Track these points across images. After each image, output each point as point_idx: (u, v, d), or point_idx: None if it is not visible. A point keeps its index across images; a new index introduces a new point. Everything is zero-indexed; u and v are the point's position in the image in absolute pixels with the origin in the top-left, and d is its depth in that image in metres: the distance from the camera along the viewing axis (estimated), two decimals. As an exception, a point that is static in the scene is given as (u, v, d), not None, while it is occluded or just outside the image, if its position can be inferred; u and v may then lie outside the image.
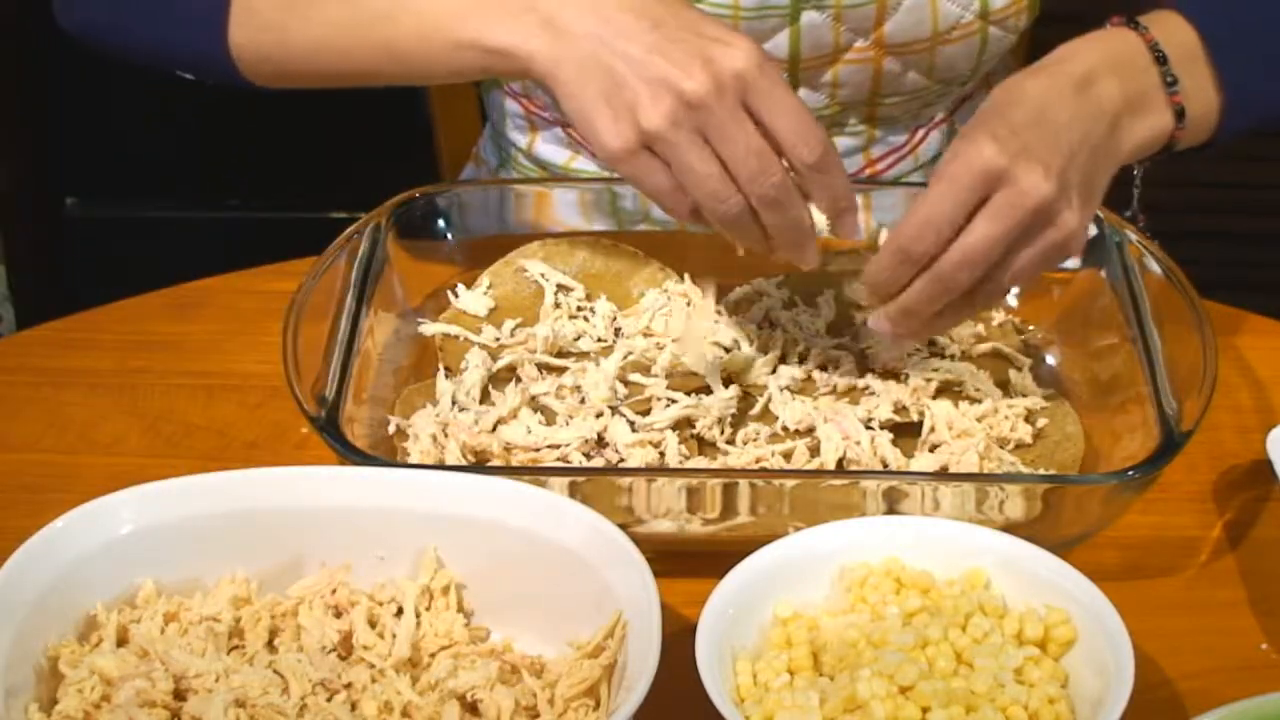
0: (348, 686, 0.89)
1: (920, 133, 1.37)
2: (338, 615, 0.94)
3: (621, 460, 1.05)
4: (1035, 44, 1.47)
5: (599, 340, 1.15)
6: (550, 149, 1.38)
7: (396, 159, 1.67)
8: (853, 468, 1.06)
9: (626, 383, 1.10)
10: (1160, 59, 1.06)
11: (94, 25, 1.21)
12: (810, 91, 1.29)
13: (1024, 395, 1.11)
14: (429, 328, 1.16)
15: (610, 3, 1.01)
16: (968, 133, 1.00)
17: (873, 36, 1.25)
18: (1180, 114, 1.06)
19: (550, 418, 1.09)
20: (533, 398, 1.11)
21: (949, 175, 0.98)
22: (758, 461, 1.05)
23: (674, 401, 1.09)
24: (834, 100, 1.30)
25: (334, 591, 0.94)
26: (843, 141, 1.34)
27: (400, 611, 0.94)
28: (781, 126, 0.99)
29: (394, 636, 0.93)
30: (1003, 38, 1.29)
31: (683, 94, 0.97)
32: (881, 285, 1.02)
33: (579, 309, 1.19)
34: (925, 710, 0.86)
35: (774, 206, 1.00)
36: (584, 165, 1.36)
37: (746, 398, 1.11)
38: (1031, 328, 1.18)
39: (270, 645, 0.93)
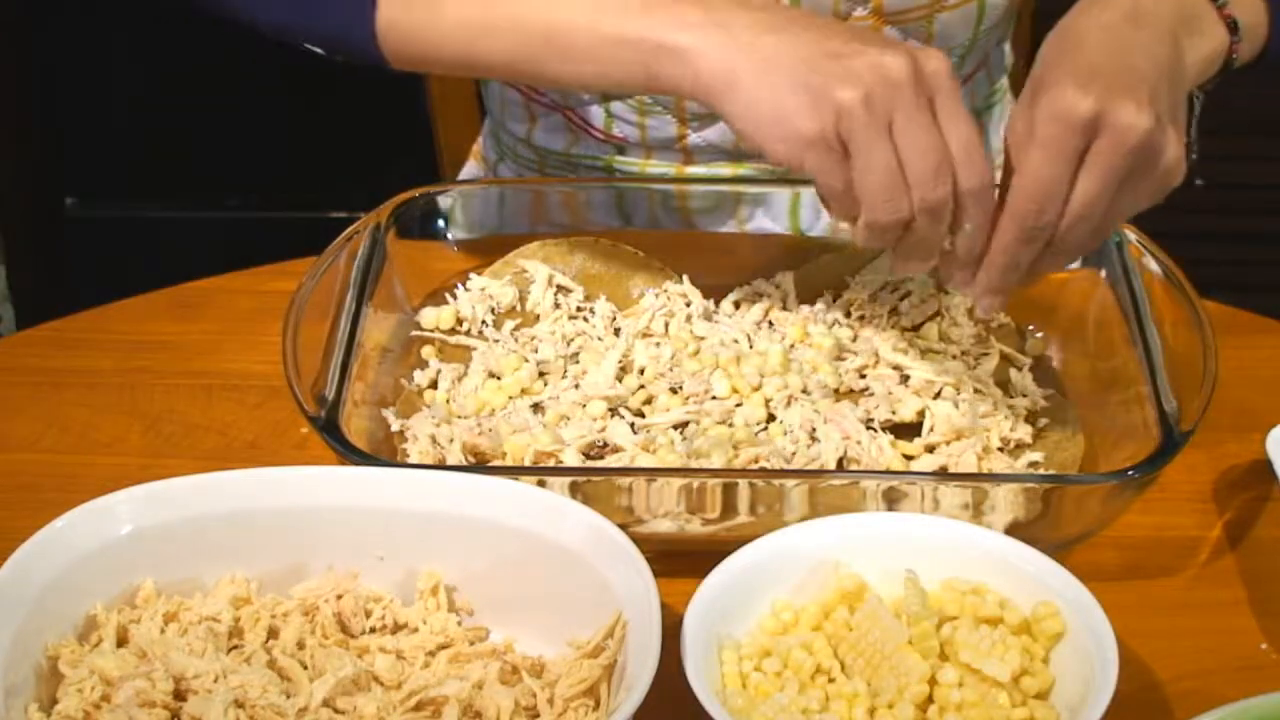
0: (349, 690, 0.89)
1: None
2: (338, 616, 0.94)
3: (621, 456, 1.05)
4: (1038, 15, 1.48)
5: (599, 340, 1.16)
6: (549, 136, 1.38)
7: (396, 159, 1.67)
8: (853, 468, 1.06)
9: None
10: None
11: None
12: None
13: (1024, 395, 1.11)
14: (426, 320, 1.16)
15: (788, 20, 0.98)
16: (1045, 85, 0.96)
17: (871, 4, 1.25)
18: (1234, 27, 1.05)
19: (550, 418, 1.09)
20: (533, 398, 1.11)
21: (1045, 138, 0.94)
22: (757, 461, 1.05)
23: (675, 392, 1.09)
24: None
25: (340, 597, 0.94)
26: None
27: (396, 624, 0.95)
28: (958, 139, 0.96)
29: (393, 637, 0.94)
30: (1000, 5, 1.29)
31: (886, 72, 0.93)
32: (1002, 283, 0.99)
33: (579, 309, 1.19)
34: (915, 708, 0.87)
35: (932, 216, 0.96)
36: (584, 150, 1.36)
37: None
38: (1031, 327, 1.18)
39: (268, 646, 0.93)
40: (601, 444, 1.07)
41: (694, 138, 1.31)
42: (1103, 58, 0.96)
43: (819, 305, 1.18)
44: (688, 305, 1.18)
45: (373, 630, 0.95)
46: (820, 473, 1.04)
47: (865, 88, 0.94)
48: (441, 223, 1.22)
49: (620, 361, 1.13)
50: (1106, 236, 1.02)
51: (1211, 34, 1.05)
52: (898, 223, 0.96)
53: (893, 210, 0.96)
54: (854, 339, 1.15)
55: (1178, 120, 0.99)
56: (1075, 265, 1.17)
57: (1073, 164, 0.95)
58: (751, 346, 1.14)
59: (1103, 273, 1.14)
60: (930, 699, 0.88)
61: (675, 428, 1.08)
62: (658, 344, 1.15)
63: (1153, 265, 1.11)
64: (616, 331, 1.17)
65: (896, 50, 0.95)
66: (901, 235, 0.97)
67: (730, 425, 1.08)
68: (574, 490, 0.97)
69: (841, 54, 0.95)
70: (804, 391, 1.10)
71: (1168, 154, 0.96)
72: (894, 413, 1.09)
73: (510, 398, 1.11)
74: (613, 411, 1.10)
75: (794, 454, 1.06)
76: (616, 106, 1.31)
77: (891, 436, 1.08)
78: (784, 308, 1.18)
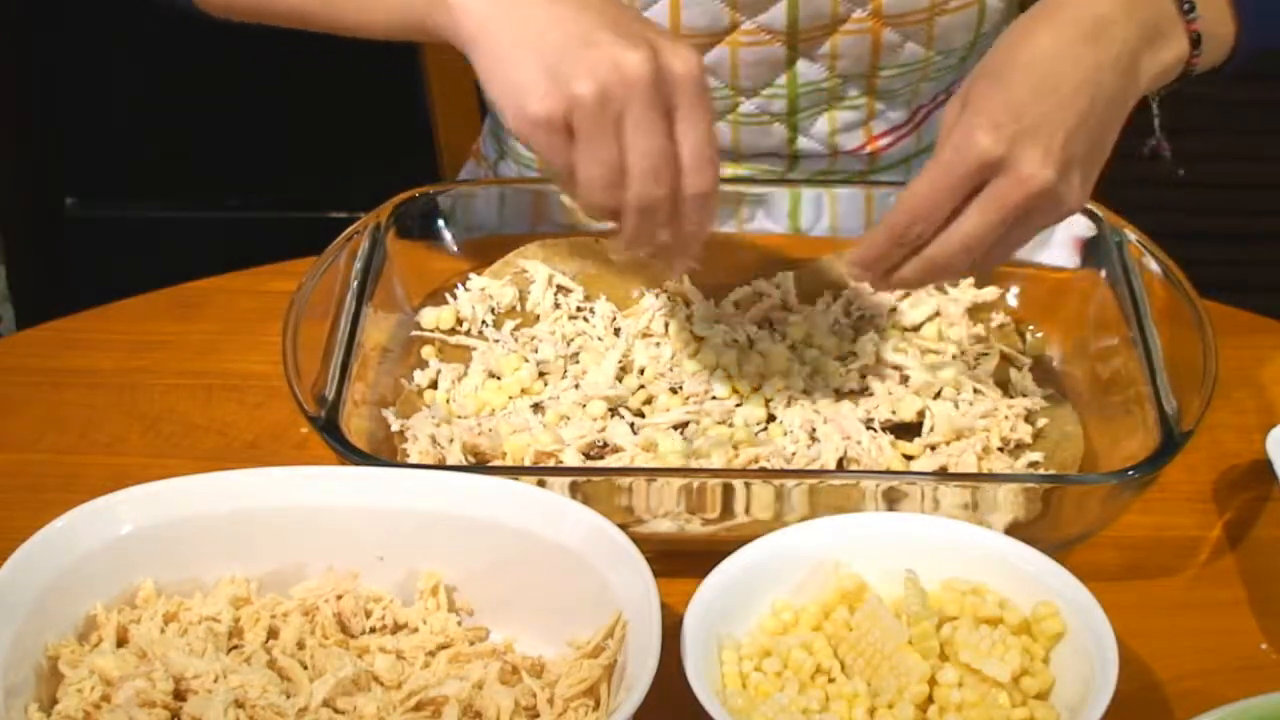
0: (349, 691, 0.89)
1: (922, 111, 1.37)
2: (338, 616, 0.94)
3: (621, 456, 1.05)
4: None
5: (599, 340, 1.16)
6: None
7: (396, 159, 1.67)
8: (853, 468, 1.06)
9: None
10: None
11: None
12: (809, 63, 1.29)
13: (1024, 395, 1.11)
14: (426, 320, 1.16)
15: None
16: (967, 112, 0.98)
17: (870, 6, 1.25)
18: (1197, 40, 1.06)
19: (550, 418, 1.09)
20: (533, 398, 1.11)
21: (944, 163, 0.98)
22: (757, 461, 1.05)
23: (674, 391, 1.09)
24: (833, 72, 1.30)
25: (340, 597, 0.94)
26: (843, 116, 1.33)
27: (396, 624, 0.95)
28: (690, 144, 0.97)
29: (393, 637, 0.94)
30: (1001, 9, 1.29)
31: (624, 71, 0.94)
32: (871, 264, 1.01)
33: (579, 309, 1.19)
34: (915, 708, 0.87)
35: (645, 214, 0.98)
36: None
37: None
38: (1031, 327, 1.18)
39: (268, 646, 0.93)
40: (601, 444, 1.07)
41: None
42: (1030, 95, 0.98)
43: (819, 305, 1.18)
44: (688, 305, 1.18)
45: (373, 630, 0.95)
46: (820, 473, 1.04)
47: (600, 84, 0.94)
48: (441, 223, 1.22)
49: (620, 361, 1.13)
50: (992, 267, 1.05)
51: (1175, 45, 1.05)
52: (615, 211, 0.98)
53: (607, 200, 0.97)
54: (854, 339, 1.15)
55: (1095, 160, 1.01)
56: (1075, 265, 1.17)
57: (960, 194, 0.97)
58: (751, 346, 1.14)
59: (1103, 273, 1.14)
60: (930, 699, 0.88)
61: (675, 428, 1.08)
62: (658, 344, 1.15)
63: (1153, 265, 1.11)
64: (616, 331, 1.17)
65: (642, 49, 0.95)
66: (620, 221, 0.99)
67: (730, 425, 1.08)
68: (574, 490, 0.97)
69: (593, 43, 0.95)
70: (804, 392, 1.10)
71: (1066, 204, 0.99)
72: (894, 413, 1.09)
73: (510, 398, 1.11)
74: (613, 411, 1.10)
75: (794, 454, 1.06)
76: (617, 105, 1.31)
77: (891, 436, 1.08)
78: (784, 308, 1.18)
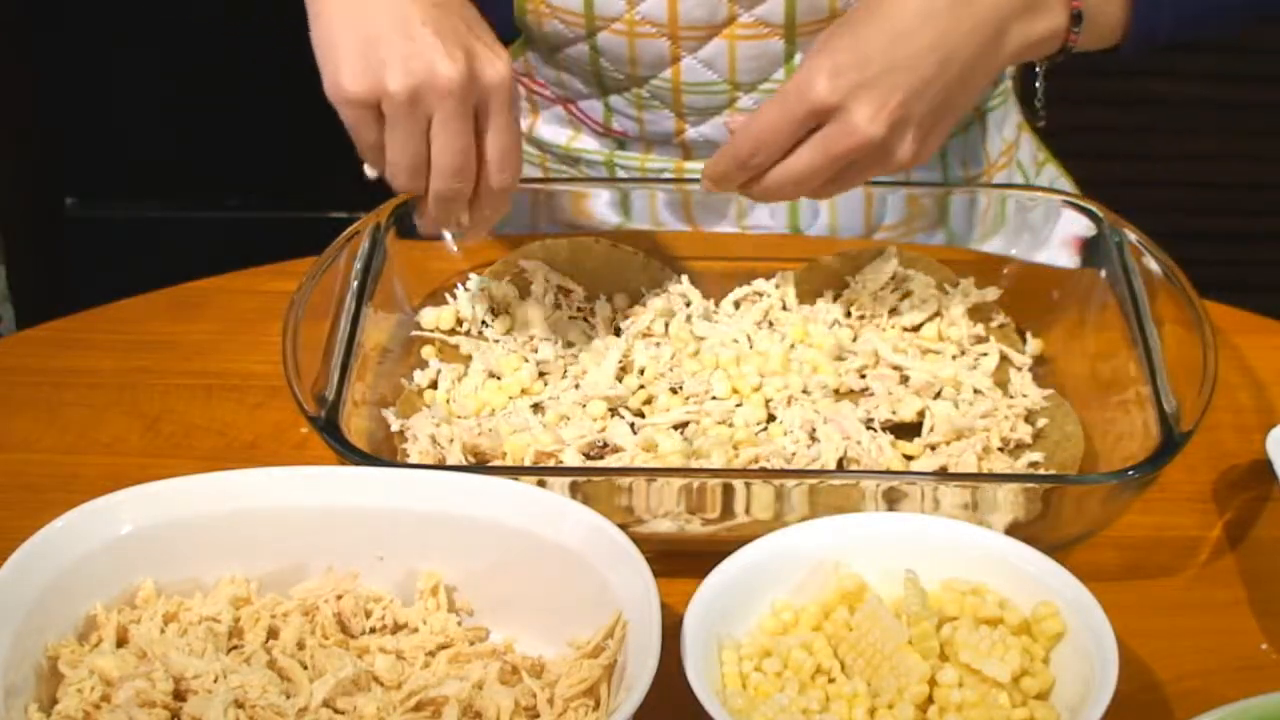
0: (349, 691, 0.89)
1: None
2: (338, 617, 0.94)
3: (621, 456, 1.05)
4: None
5: (598, 340, 1.16)
6: (551, 130, 1.38)
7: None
8: (853, 468, 1.06)
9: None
10: None
11: None
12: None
13: (1024, 395, 1.11)
14: (426, 320, 1.16)
15: None
16: (816, 53, 1.03)
17: None
18: (1078, 18, 1.07)
19: (550, 418, 1.09)
20: (533, 398, 1.11)
21: (782, 96, 1.03)
22: (757, 461, 1.05)
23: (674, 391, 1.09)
24: None
25: (340, 597, 0.94)
26: None
27: (396, 624, 0.95)
28: (496, 145, 1.03)
29: (393, 637, 0.94)
30: None
31: (435, 76, 1.00)
32: (719, 179, 1.08)
33: (579, 310, 1.19)
34: (915, 708, 0.87)
35: (444, 203, 1.04)
36: (585, 144, 1.36)
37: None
38: (1031, 328, 1.18)
39: (268, 646, 0.93)
40: (601, 444, 1.07)
41: (691, 132, 1.31)
42: (882, 45, 1.02)
43: (819, 305, 1.18)
44: (688, 305, 1.18)
45: (373, 630, 0.95)
46: (820, 473, 1.04)
47: (413, 84, 1.00)
48: (441, 222, 1.21)
49: (620, 361, 1.13)
50: (823, 198, 1.09)
51: (1051, 18, 1.07)
52: (417, 191, 1.04)
53: (411, 185, 1.05)
54: (854, 339, 1.15)
55: (940, 121, 1.05)
56: (1075, 265, 1.17)
57: (796, 131, 1.03)
58: (751, 346, 1.14)
59: (1103, 273, 1.14)
60: (930, 699, 0.87)
61: (675, 428, 1.08)
62: (658, 344, 1.15)
63: (1153, 265, 1.11)
64: (617, 331, 1.17)
65: (458, 56, 1.00)
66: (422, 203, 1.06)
67: (730, 425, 1.08)
68: (574, 490, 0.97)
69: (413, 36, 1.00)
70: (804, 391, 1.10)
71: (897, 158, 1.04)
72: (894, 413, 1.09)
73: (510, 398, 1.11)
74: (613, 411, 1.10)
75: (794, 454, 1.06)
76: (615, 100, 1.31)
77: (891, 436, 1.08)
78: (784, 308, 1.18)
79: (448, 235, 1.20)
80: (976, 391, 1.11)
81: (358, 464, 0.98)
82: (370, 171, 1.08)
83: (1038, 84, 1.19)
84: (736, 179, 1.07)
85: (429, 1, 1.02)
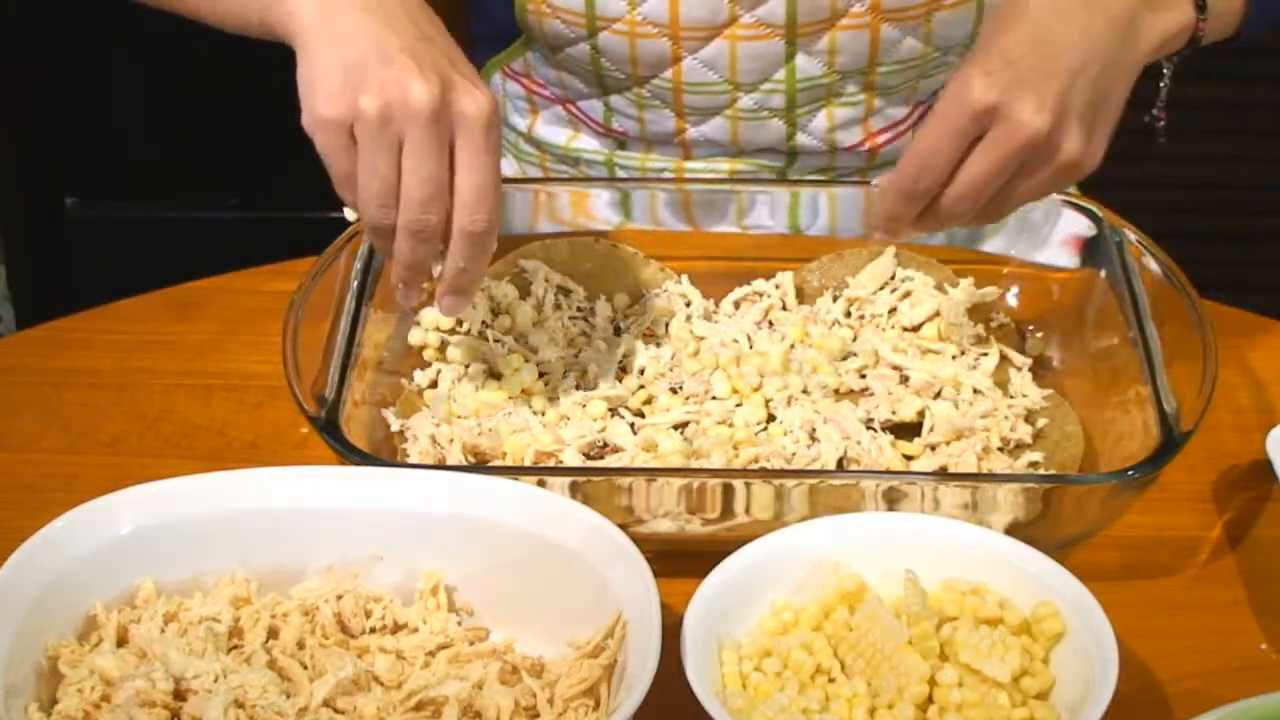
0: (349, 691, 0.89)
1: (920, 108, 1.37)
2: (338, 617, 0.94)
3: (621, 456, 1.05)
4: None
5: (598, 340, 1.15)
6: (551, 130, 1.38)
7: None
8: (853, 468, 1.06)
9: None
10: None
11: None
12: (808, 58, 1.29)
13: (1024, 395, 1.11)
14: (417, 335, 1.16)
15: (387, 11, 1.02)
16: (963, 63, 1.01)
17: (869, 1, 1.25)
18: (1202, 6, 1.07)
19: (550, 418, 1.09)
20: (532, 398, 1.11)
21: (941, 113, 1.00)
22: (757, 461, 1.05)
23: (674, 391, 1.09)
24: (832, 68, 1.30)
25: (340, 597, 0.94)
26: (841, 112, 1.33)
27: (396, 624, 0.95)
28: (469, 183, 0.99)
29: (393, 637, 0.94)
30: (997, 5, 1.29)
31: (408, 96, 0.98)
32: (891, 228, 1.04)
33: (579, 310, 1.19)
34: (915, 708, 0.87)
35: (414, 237, 1.00)
36: (585, 144, 1.36)
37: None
38: (1031, 328, 1.18)
39: (268, 646, 0.93)
40: (601, 444, 1.07)
41: (692, 132, 1.31)
42: (1028, 45, 1.00)
43: (819, 305, 1.18)
44: (688, 305, 1.18)
45: (373, 630, 0.95)
46: (820, 473, 1.04)
47: (384, 104, 0.98)
48: (441, 223, 1.21)
49: (620, 361, 1.13)
50: (1000, 217, 1.06)
51: (1178, 10, 1.06)
52: (388, 229, 1.00)
53: (381, 217, 1.00)
54: (854, 339, 1.15)
55: (1101, 114, 1.02)
56: (1075, 265, 1.17)
57: (960, 144, 1.00)
58: (751, 346, 1.14)
59: (1103, 273, 1.14)
60: (930, 699, 0.87)
61: (675, 428, 1.08)
62: (658, 344, 1.15)
63: (1153, 265, 1.11)
64: (617, 331, 1.17)
65: (433, 81, 0.98)
66: (394, 247, 1.01)
67: (730, 425, 1.08)
68: (574, 490, 0.97)
69: (391, 61, 0.99)
70: (804, 391, 1.10)
71: (1068, 153, 1.00)
72: (894, 413, 1.09)
73: (510, 398, 1.11)
74: (613, 411, 1.10)
75: (794, 454, 1.06)
76: (615, 100, 1.31)
77: (891, 436, 1.08)
78: (784, 308, 1.18)
79: (426, 312, 1.15)
80: (976, 391, 1.11)
81: (358, 464, 0.98)
82: (349, 214, 1.06)
83: (1162, 84, 1.17)
84: (908, 213, 1.03)
85: (412, 35, 1.01)
